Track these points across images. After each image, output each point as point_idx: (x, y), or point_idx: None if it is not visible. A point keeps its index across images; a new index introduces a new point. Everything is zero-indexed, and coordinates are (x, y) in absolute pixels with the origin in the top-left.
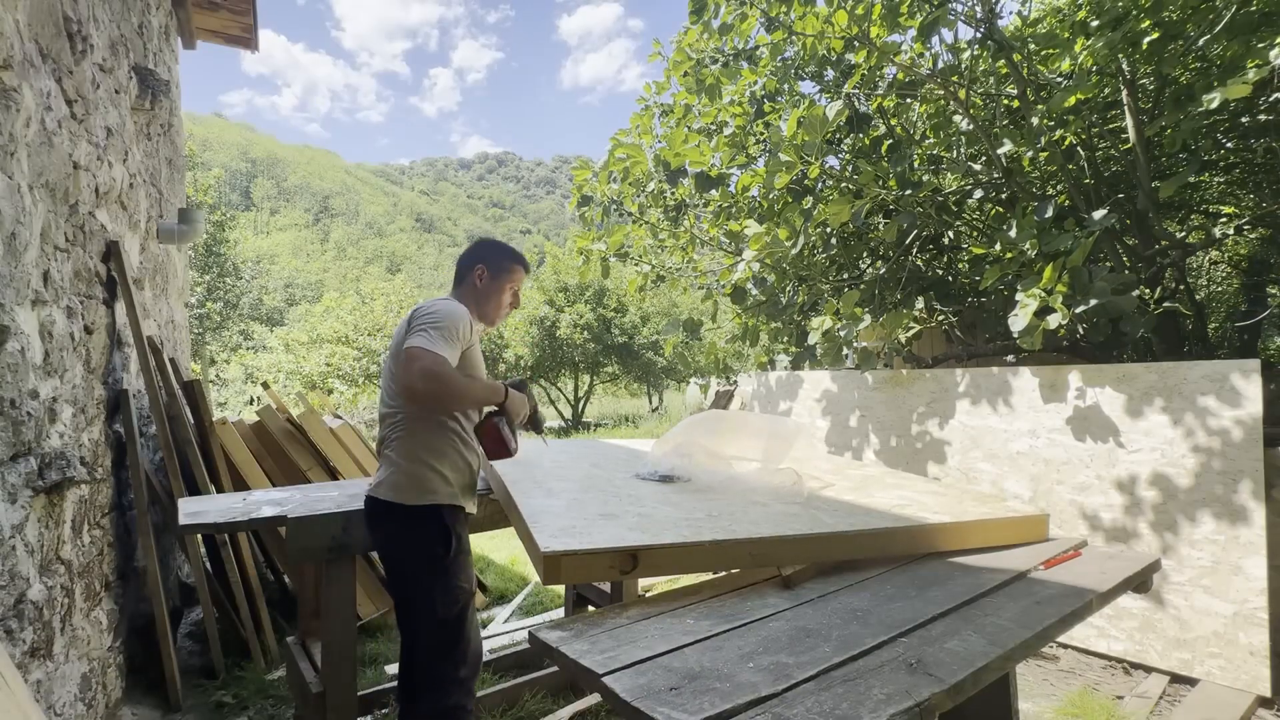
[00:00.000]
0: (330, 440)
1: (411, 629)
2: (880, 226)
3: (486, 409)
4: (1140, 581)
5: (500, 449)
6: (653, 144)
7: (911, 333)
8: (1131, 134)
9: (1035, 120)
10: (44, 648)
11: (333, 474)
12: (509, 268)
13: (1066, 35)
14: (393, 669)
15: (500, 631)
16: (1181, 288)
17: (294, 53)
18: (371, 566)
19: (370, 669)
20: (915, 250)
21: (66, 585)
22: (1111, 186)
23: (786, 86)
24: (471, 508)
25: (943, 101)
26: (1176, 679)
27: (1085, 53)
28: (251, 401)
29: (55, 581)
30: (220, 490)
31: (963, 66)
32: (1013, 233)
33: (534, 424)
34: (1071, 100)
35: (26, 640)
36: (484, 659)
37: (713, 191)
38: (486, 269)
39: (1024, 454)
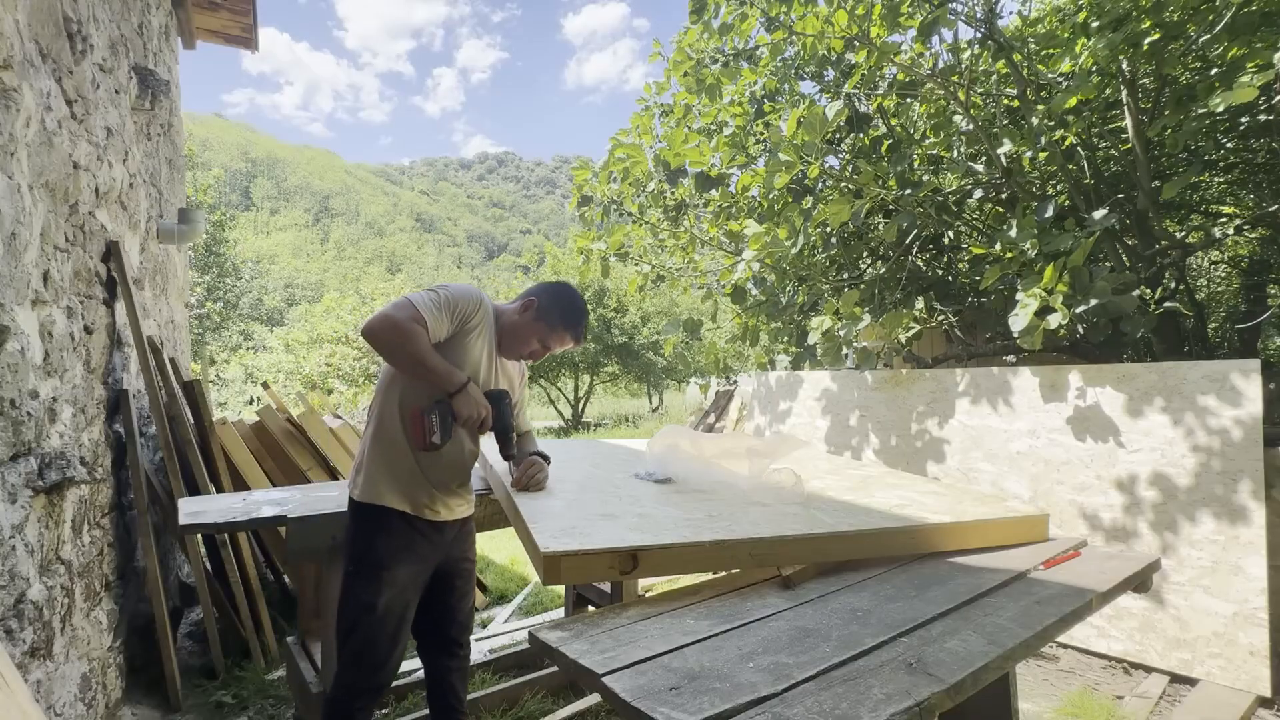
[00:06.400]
0: (330, 440)
1: None
2: (880, 226)
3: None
4: (1140, 581)
5: (418, 435)
6: (653, 144)
7: (911, 333)
8: (1132, 134)
9: (1035, 120)
10: (44, 648)
11: (333, 474)
12: (555, 327)
13: (1067, 35)
14: None
15: (500, 631)
16: (1181, 288)
17: (297, 51)
18: None
19: None
20: (915, 250)
21: (66, 585)
22: (1111, 186)
23: (786, 86)
24: (430, 513)
25: (943, 101)
26: (1176, 679)
27: (1086, 53)
28: (251, 401)
29: (55, 581)
30: (220, 490)
31: (963, 66)
32: (1013, 233)
33: (500, 440)
34: (1072, 101)
35: (26, 640)
36: (479, 662)
37: (713, 191)
38: (537, 307)
39: (1024, 454)
